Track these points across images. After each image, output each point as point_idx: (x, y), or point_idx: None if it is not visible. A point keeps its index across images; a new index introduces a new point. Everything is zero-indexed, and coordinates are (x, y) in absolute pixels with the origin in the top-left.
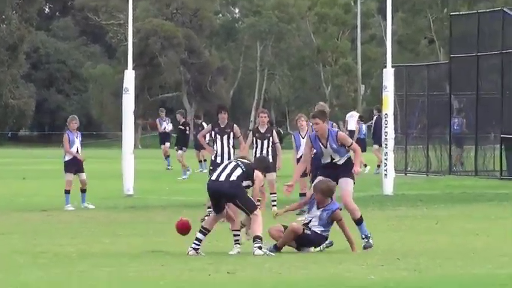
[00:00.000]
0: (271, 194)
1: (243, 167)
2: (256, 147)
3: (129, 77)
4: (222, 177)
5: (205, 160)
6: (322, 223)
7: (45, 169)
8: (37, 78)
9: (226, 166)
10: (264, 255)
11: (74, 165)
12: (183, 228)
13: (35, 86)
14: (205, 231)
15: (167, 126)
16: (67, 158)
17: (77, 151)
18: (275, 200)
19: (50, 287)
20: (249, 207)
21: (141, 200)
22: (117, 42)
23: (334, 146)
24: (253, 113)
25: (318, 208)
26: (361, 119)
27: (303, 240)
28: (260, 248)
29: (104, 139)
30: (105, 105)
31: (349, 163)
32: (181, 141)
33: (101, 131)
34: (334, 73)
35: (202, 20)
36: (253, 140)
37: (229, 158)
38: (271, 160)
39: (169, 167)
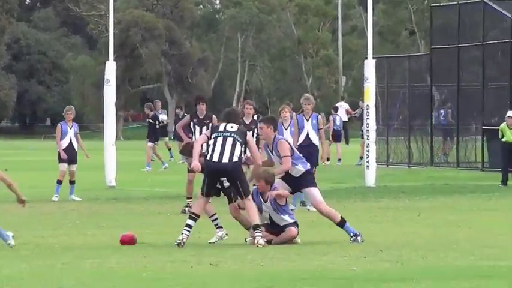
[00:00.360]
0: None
1: (240, 140)
2: None
3: (110, 68)
4: (225, 158)
5: None
6: (277, 211)
7: (27, 160)
8: (18, 69)
9: (224, 143)
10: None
11: (68, 156)
12: (127, 242)
13: (15, 77)
14: (195, 216)
15: (164, 117)
16: (62, 147)
17: (70, 142)
18: None
19: (33, 279)
20: (245, 191)
21: (123, 192)
22: (98, 34)
23: (276, 154)
24: (234, 104)
25: (266, 201)
26: (335, 110)
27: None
28: (261, 236)
29: (85, 130)
30: (86, 97)
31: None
32: (152, 134)
33: (82, 122)
34: (315, 64)
35: (183, 11)
36: None
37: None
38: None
39: (172, 158)
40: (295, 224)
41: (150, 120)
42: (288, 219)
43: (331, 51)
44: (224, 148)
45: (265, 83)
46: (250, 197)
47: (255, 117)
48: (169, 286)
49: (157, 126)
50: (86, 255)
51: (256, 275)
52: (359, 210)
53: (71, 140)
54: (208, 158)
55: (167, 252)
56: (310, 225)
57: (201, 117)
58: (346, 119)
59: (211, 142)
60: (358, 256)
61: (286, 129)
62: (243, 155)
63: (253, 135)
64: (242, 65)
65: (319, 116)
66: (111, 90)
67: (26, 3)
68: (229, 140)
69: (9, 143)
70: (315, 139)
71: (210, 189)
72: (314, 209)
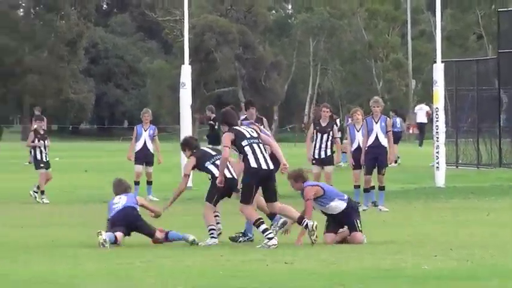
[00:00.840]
0: None
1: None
2: (316, 140)
3: (186, 72)
4: (271, 165)
5: None
6: (322, 202)
7: (105, 162)
8: (96, 73)
9: (262, 150)
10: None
11: (144, 158)
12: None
13: (94, 81)
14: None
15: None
16: (136, 149)
17: (144, 144)
18: None
19: (113, 277)
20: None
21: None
22: (174, 38)
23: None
24: (307, 106)
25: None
26: (396, 113)
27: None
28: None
29: (162, 132)
30: (162, 99)
31: None
32: (211, 136)
33: (159, 124)
34: (385, 68)
35: (256, 16)
36: (313, 132)
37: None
38: (329, 153)
39: None
40: (352, 209)
41: (211, 122)
42: (338, 203)
43: (400, 55)
44: (264, 154)
45: (337, 86)
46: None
47: (337, 121)
48: (246, 283)
49: (216, 128)
50: (164, 254)
51: (330, 273)
52: (429, 210)
53: (145, 142)
54: (255, 165)
55: (243, 251)
56: (381, 225)
57: (251, 120)
58: (426, 121)
59: (247, 149)
60: (429, 255)
61: (358, 131)
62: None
63: (328, 138)
64: (314, 69)
65: (388, 118)
66: (187, 93)
67: (103, 8)
68: (261, 145)
69: (88, 144)
70: (383, 141)
71: (253, 196)
72: (386, 209)
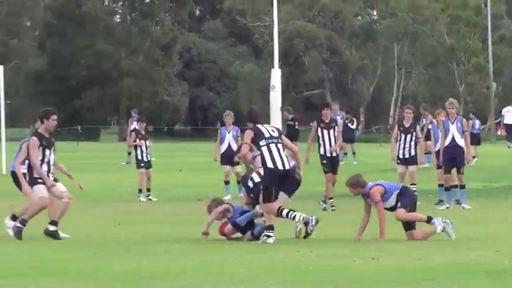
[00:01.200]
0: (411, 184)
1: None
2: (400, 140)
3: (276, 76)
4: (287, 165)
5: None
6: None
7: (199, 161)
8: (190, 76)
9: (279, 149)
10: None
11: (228, 158)
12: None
13: (187, 84)
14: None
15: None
16: (221, 151)
17: (229, 145)
18: (415, 191)
19: (206, 272)
20: None
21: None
22: (263, 43)
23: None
24: (392, 108)
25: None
26: (475, 115)
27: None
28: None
29: None
30: (253, 102)
31: None
32: (291, 136)
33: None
34: (466, 71)
35: (342, 21)
36: (397, 133)
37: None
38: (413, 153)
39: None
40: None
41: (291, 123)
42: (395, 195)
43: (481, 59)
44: (282, 155)
45: (420, 88)
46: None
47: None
48: (334, 278)
49: (297, 128)
50: (256, 250)
51: (415, 268)
52: (510, 209)
53: (229, 143)
54: (272, 166)
55: (331, 247)
56: (464, 222)
57: (326, 121)
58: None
59: (264, 149)
60: (509, 251)
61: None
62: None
63: (411, 138)
64: (398, 72)
65: (464, 119)
66: (277, 96)
67: (196, 15)
68: (280, 145)
69: (182, 145)
70: (460, 141)
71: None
72: (468, 207)
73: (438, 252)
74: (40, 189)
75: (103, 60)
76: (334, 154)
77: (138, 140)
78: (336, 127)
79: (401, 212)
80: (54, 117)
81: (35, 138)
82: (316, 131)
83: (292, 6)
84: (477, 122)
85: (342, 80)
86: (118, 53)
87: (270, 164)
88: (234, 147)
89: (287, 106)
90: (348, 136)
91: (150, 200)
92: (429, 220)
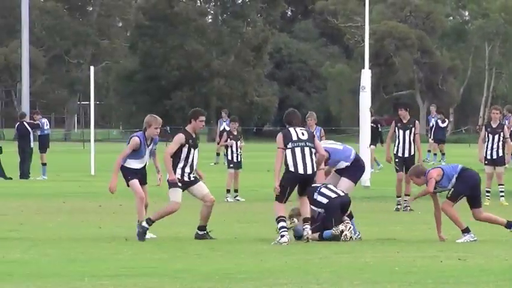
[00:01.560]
0: (499, 185)
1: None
2: (488, 141)
3: (366, 76)
4: (310, 169)
5: None
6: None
7: None
8: (280, 77)
9: (305, 153)
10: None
11: None
12: None
13: (277, 84)
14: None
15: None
16: None
17: None
18: (503, 191)
19: (292, 272)
20: None
21: (377, 191)
22: (354, 43)
23: None
24: (482, 109)
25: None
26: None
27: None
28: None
29: (342, 134)
30: (343, 103)
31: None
32: (373, 138)
33: (339, 126)
34: None
35: (434, 22)
36: (484, 134)
37: (409, 152)
38: (500, 154)
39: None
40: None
41: (373, 125)
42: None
43: None
44: (306, 159)
45: (511, 89)
46: None
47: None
48: (421, 279)
49: (379, 130)
50: (341, 250)
51: (502, 269)
52: None
53: None
54: (292, 169)
55: (417, 247)
56: None
57: (404, 121)
58: None
59: (288, 152)
60: None
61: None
62: None
63: (499, 138)
64: (489, 73)
65: None
66: (367, 97)
67: (288, 15)
68: (309, 149)
69: (271, 145)
70: None
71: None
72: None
73: None
74: (177, 193)
75: (194, 60)
76: (406, 155)
77: (229, 140)
78: (413, 128)
79: (447, 205)
80: (202, 118)
81: (181, 135)
82: (394, 131)
83: (384, 7)
84: None
85: (432, 81)
86: (209, 53)
87: (291, 167)
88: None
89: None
90: (438, 136)
91: (238, 200)
92: (509, 226)
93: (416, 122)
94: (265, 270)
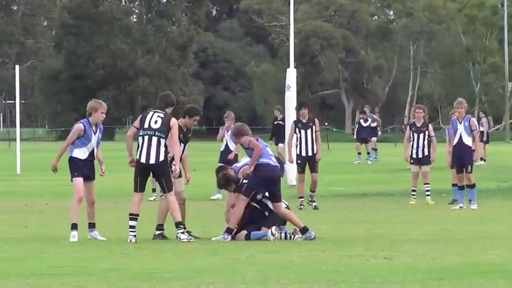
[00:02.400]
0: (424, 184)
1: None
2: (413, 140)
3: (291, 75)
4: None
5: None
6: None
7: (214, 161)
8: (205, 76)
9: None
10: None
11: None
12: None
13: (203, 84)
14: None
15: (371, 123)
16: (221, 149)
17: (226, 144)
18: (429, 190)
19: (219, 271)
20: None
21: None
22: (279, 43)
23: None
24: (407, 108)
25: None
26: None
27: None
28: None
29: (267, 133)
30: (268, 102)
31: None
32: (279, 137)
33: (265, 125)
34: (483, 71)
35: (359, 21)
36: (409, 133)
37: (312, 151)
38: (426, 153)
39: (372, 160)
40: None
41: (281, 122)
42: None
43: (498, 59)
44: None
45: (436, 88)
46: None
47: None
48: (347, 278)
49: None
50: (267, 249)
51: (428, 268)
52: None
53: (227, 143)
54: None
55: (344, 246)
56: (478, 221)
57: (304, 121)
58: None
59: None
60: None
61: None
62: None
63: (424, 137)
64: (414, 72)
65: (472, 118)
66: (292, 96)
67: (213, 14)
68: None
69: (197, 144)
70: (467, 140)
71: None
72: (475, 207)
73: (452, 252)
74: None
75: (119, 59)
76: (310, 153)
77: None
78: (314, 126)
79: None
80: (197, 118)
81: (177, 125)
82: (295, 131)
83: (309, 6)
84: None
85: (357, 80)
86: (134, 52)
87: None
88: (233, 147)
89: (278, 106)
90: (361, 135)
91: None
92: (304, 231)
93: (316, 120)
94: (192, 269)
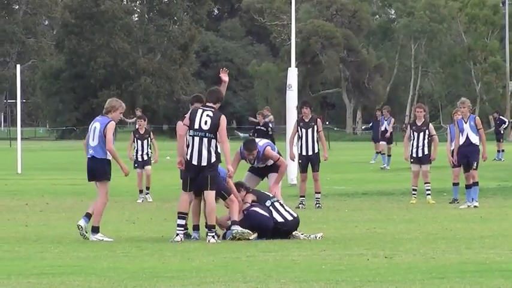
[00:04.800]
0: (425, 183)
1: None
2: (413, 139)
3: (293, 74)
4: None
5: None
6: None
7: None
8: (206, 75)
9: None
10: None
11: None
12: None
13: (204, 83)
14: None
15: (387, 126)
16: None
17: None
18: (429, 190)
19: (220, 270)
20: None
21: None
22: (281, 42)
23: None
24: (408, 107)
25: None
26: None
27: None
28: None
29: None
30: (270, 101)
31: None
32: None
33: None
34: (483, 70)
35: (360, 20)
36: (410, 132)
37: (313, 150)
38: (426, 152)
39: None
40: None
41: (263, 128)
42: None
43: (499, 58)
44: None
45: (437, 87)
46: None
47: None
48: (347, 277)
49: (270, 132)
50: (268, 249)
51: (429, 267)
52: None
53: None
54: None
55: (344, 245)
56: (479, 220)
57: (306, 120)
58: None
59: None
60: None
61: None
62: None
63: (424, 136)
64: (415, 71)
65: (477, 117)
66: (293, 95)
67: (214, 14)
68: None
69: None
70: (474, 139)
71: None
72: (476, 205)
73: (452, 251)
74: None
75: (120, 59)
76: (310, 153)
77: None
78: (315, 126)
79: None
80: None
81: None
82: (297, 130)
83: (311, 5)
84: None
85: (358, 79)
86: (135, 51)
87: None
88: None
89: (261, 111)
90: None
91: (145, 199)
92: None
93: (318, 119)
94: (192, 268)
